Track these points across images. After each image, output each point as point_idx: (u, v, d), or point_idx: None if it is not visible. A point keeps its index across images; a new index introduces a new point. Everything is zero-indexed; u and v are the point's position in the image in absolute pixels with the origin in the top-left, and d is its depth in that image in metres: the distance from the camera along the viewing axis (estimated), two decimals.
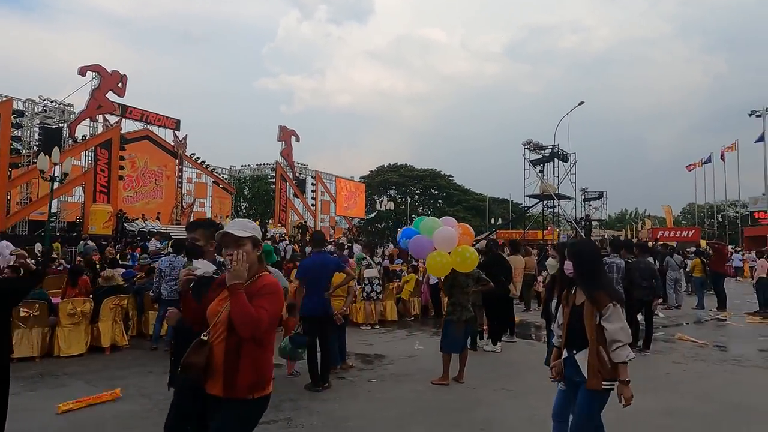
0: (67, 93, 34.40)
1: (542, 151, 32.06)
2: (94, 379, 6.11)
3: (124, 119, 27.07)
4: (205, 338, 2.39)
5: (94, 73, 24.01)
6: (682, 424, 4.80)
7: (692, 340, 8.73)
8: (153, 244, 17.35)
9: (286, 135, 36.63)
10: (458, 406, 5.21)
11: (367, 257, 10.32)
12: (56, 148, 15.42)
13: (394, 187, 58.79)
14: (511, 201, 54.50)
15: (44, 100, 23.19)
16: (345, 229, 40.52)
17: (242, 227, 2.46)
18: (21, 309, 6.65)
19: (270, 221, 33.50)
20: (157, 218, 27.35)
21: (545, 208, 32.64)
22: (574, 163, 32.73)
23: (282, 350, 5.70)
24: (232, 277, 2.30)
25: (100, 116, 25.12)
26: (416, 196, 60.21)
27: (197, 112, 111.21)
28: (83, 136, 24.12)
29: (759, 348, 8.43)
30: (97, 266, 10.63)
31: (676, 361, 7.33)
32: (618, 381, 3.01)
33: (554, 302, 3.40)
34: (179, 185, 31.17)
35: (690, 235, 32.59)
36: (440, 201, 59.73)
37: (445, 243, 6.11)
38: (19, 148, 23.08)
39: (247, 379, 2.35)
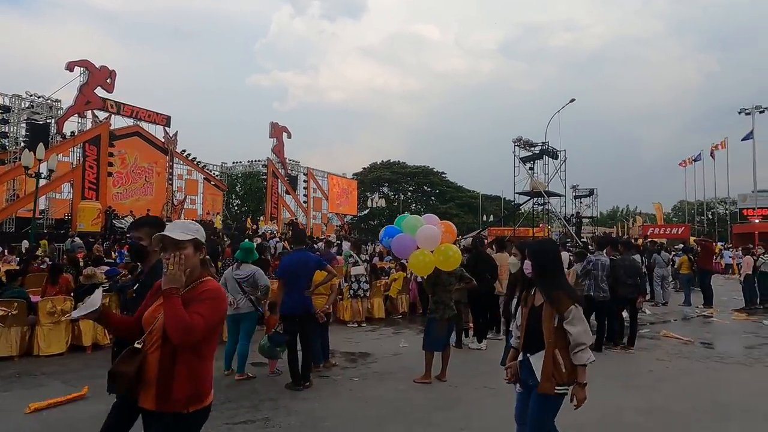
0: (55, 89, 34.04)
1: (532, 149, 32.15)
2: (73, 378, 6.02)
3: (113, 115, 26.84)
4: (139, 346, 2.24)
5: (82, 69, 23.79)
6: (661, 422, 4.80)
7: (677, 337, 8.77)
8: None
9: (277, 131, 36.49)
10: (439, 405, 5.18)
11: (354, 255, 10.27)
12: (41, 145, 15.23)
13: (386, 184, 58.76)
14: (504, 198, 54.67)
15: (31, 95, 22.93)
16: (337, 226, 40.45)
17: (184, 229, 2.33)
18: None
19: (261, 218, 33.37)
20: (147, 215, 27.13)
21: (536, 205, 32.75)
22: (564, 160, 32.90)
23: (261, 348, 5.68)
24: (167, 281, 2.19)
25: (89, 112, 24.88)
26: (409, 193, 60.23)
27: (189, 108, 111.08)
28: (71, 132, 23.90)
29: (743, 345, 8.48)
30: (81, 264, 10.50)
31: (659, 358, 7.36)
32: (575, 383, 2.92)
33: (515, 301, 3.34)
34: (170, 182, 30.95)
35: (680, 232, 32.79)
36: (433, 198, 59.77)
37: (428, 241, 6.07)
38: (5, 144, 22.85)
39: (183, 392, 2.20)
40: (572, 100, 30.07)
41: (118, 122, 27.64)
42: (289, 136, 37.25)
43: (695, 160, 40.99)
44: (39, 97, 23.15)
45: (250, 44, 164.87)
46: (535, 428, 2.97)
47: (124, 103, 27.54)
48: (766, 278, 12.63)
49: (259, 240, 19.87)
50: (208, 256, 2.51)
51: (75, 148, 24.12)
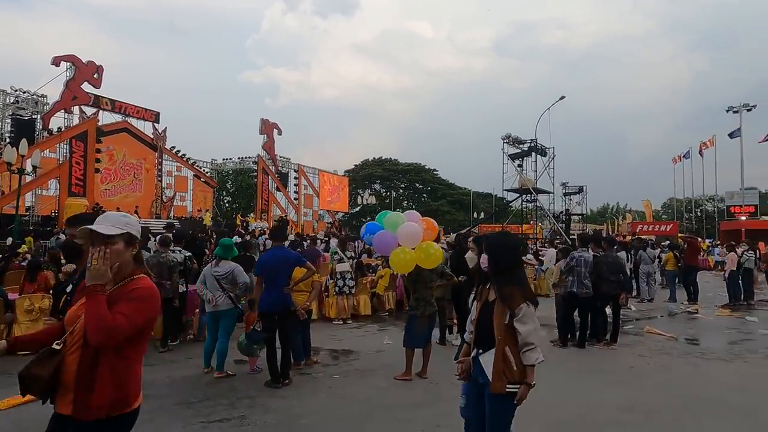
0: (42, 84, 33.65)
1: (521, 146, 32.22)
2: None
3: (101, 111, 26.56)
4: (58, 347, 2.07)
5: (68, 64, 23.50)
6: (639, 418, 4.80)
7: (660, 333, 8.81)
8: None
9: (268, 128, 36.29)
10: (418, 402, 5.16)
11: (339, 251, 10.23)
12: (24, 140, 15.05)
13: (378, 181, 58.73)
14: (495, 195, 54.83)
15: (16, 90, 22.68)
16: (328, 223, 40.37)
17: (114, 223, 2.18)
18: None
19: (251, 215, 33.23)
20: (136, 212, 26.93)
21: (525, 202, 32.85)
22: (553, 158, 32.99)
23: (239, 346, 5.64)
24: (90, 278, 2.03)
25: (76, 108, 24.62)
26: (401, 191, 60.27)
27: (180, 105, 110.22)
28: (58, 128, 23.64)
29: (725, 341, 8.54)
30: (63, 261, 10.37)
31: (641, 354, 7.38)
32: (524, 382, 2.82)
33: (472, 296, 3.28)
34: (159, 179, 30.72)
35: (668, 229, 33.08)
36: (425, 195, 59.84)
37: (410, 239, 6.04)
38: None
39: (106, 397, 2.03)
40: (562, 97, 30.18)
41: (106, 118, 27.42)
42: (280, 133, 37.08)
43: (684, 157, 41.45)
44: (24, 92, 22.90)
45: (242, 40, 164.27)
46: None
47: (113, 99, 27.28)
48: (750, 275, 12.75)
49: (248, 237, 19.81)
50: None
51: (62, 144, 23.84)
